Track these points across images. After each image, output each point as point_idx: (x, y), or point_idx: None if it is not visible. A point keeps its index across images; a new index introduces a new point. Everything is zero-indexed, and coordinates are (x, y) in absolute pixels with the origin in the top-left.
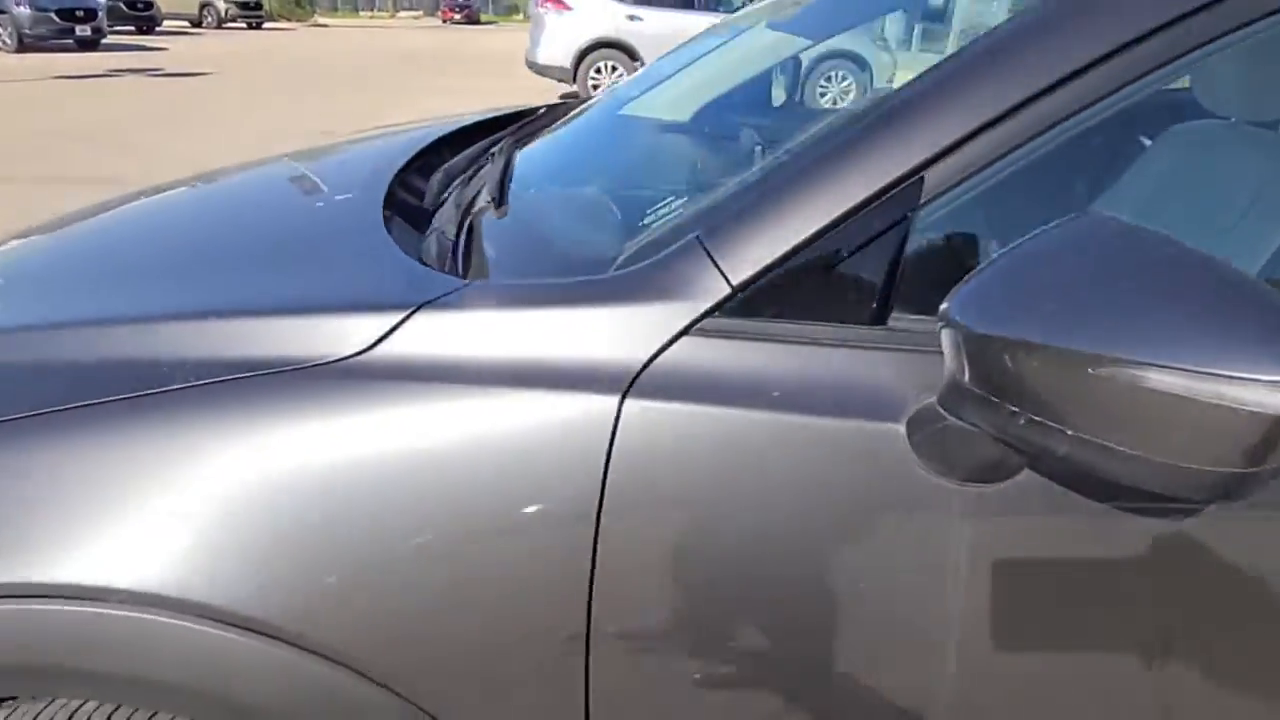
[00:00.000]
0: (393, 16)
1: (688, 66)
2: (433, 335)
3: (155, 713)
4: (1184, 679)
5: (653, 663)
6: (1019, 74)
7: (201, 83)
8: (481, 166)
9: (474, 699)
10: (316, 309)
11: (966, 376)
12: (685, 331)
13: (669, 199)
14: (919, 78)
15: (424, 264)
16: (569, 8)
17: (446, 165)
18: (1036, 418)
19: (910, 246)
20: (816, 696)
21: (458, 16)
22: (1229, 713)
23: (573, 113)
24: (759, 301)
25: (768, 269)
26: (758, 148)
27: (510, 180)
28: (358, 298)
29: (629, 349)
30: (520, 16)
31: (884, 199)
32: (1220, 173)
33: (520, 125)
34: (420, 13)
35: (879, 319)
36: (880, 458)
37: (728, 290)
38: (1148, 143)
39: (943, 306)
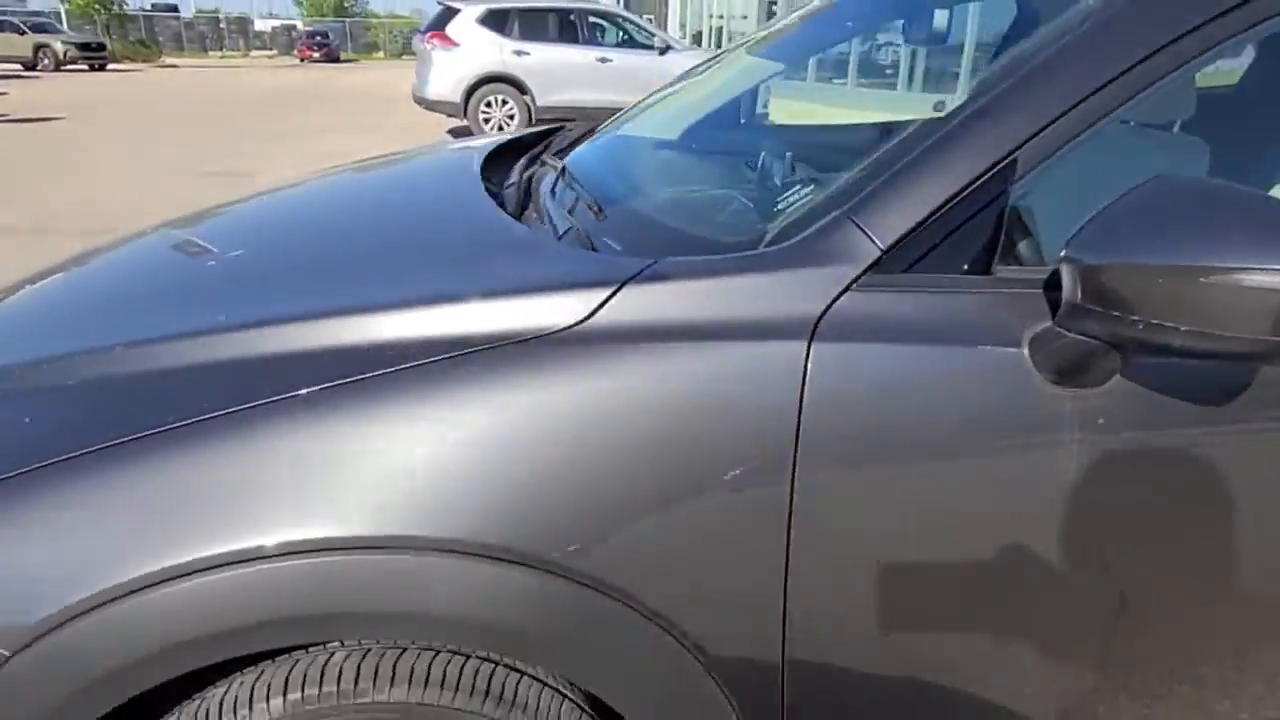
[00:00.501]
0: (245, 56)
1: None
2: (639, 304)
3: (403, 651)
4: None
5: (843, 567)
6: (1098, 61)
7: (58, 129)
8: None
9: (702, 614)
10: (534, 289)
11: (1081, 298)
12: (848, 288)
13: (795, 188)
14: (1013, 70)
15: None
16: (456, 44)
17: (526, 176)
18: (1154, 321)
19: (1007, 212)
20: (1002, 596)
21: (316, 55)
22: None
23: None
24: (900, 260)
25: (905, 235)
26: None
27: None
28: (563, 279)
29: (805, 305)
30: (381, 54)
31: (985, 178)
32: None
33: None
34: (274, 51)
35: (986, 269)
36: (1009, 375)
37: (878, 253)
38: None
39: (1063, 251)
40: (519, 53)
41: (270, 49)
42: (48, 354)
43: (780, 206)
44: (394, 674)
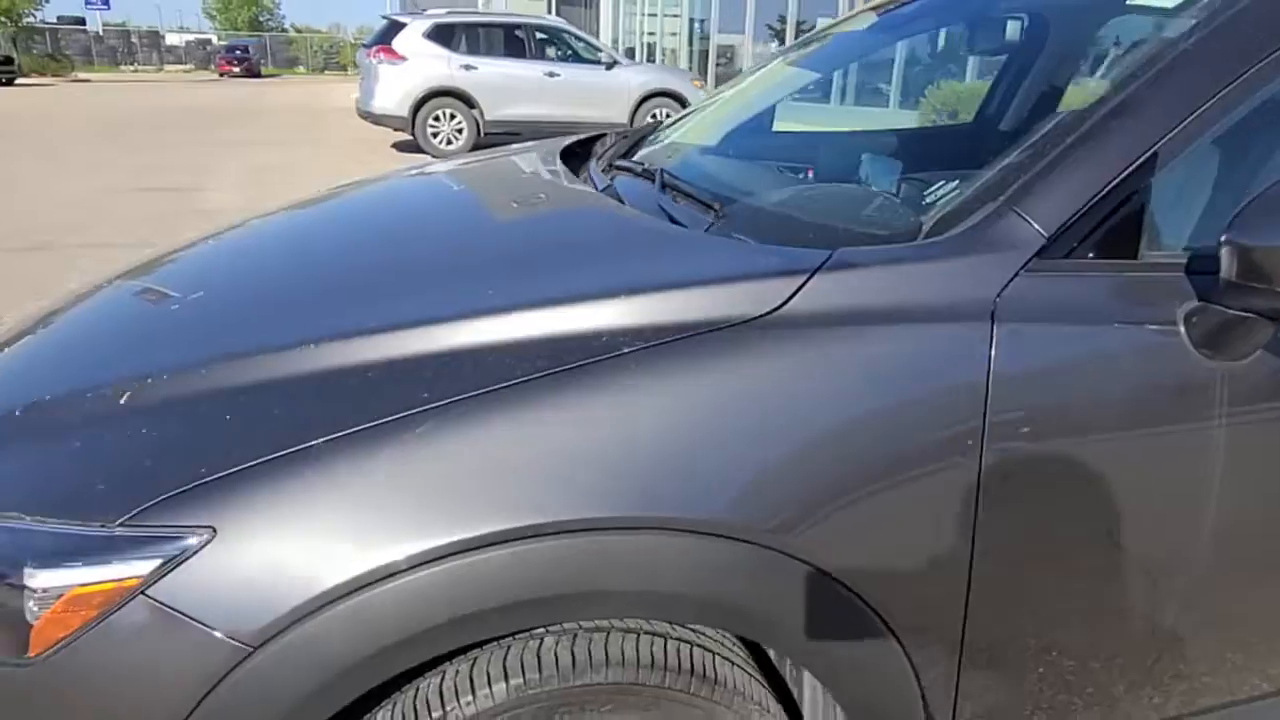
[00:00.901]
0: (159, 70)
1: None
2: (829, 291)
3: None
4: None
5: (1026, 535)
6: (1223, 63)
7: None
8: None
9: (894, 584)
10: (729, 279)
11: (1239, 276)
12: (1018, 272)
13: (941, 183)
14: (1145, 70)
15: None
16: (403, 58)
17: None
18: None
19: (1150, 201)
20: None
21: (237, 69)
22: None
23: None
24: (1061, 246)
25: (1066, 223)
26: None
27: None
28: (753, 269)
29: (983, 289)
30: (302, 69)
31: (1130, 171)
32: None
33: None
34: (191, 66)
35: (1134, 254)
36: (1168, 349)
37: (1043, 240)
38: None
39: (1223, 235)
40: (467, 67)
41: (185, 63)
42: (256, 345)
43: (930, 200)
44: (606, 656)
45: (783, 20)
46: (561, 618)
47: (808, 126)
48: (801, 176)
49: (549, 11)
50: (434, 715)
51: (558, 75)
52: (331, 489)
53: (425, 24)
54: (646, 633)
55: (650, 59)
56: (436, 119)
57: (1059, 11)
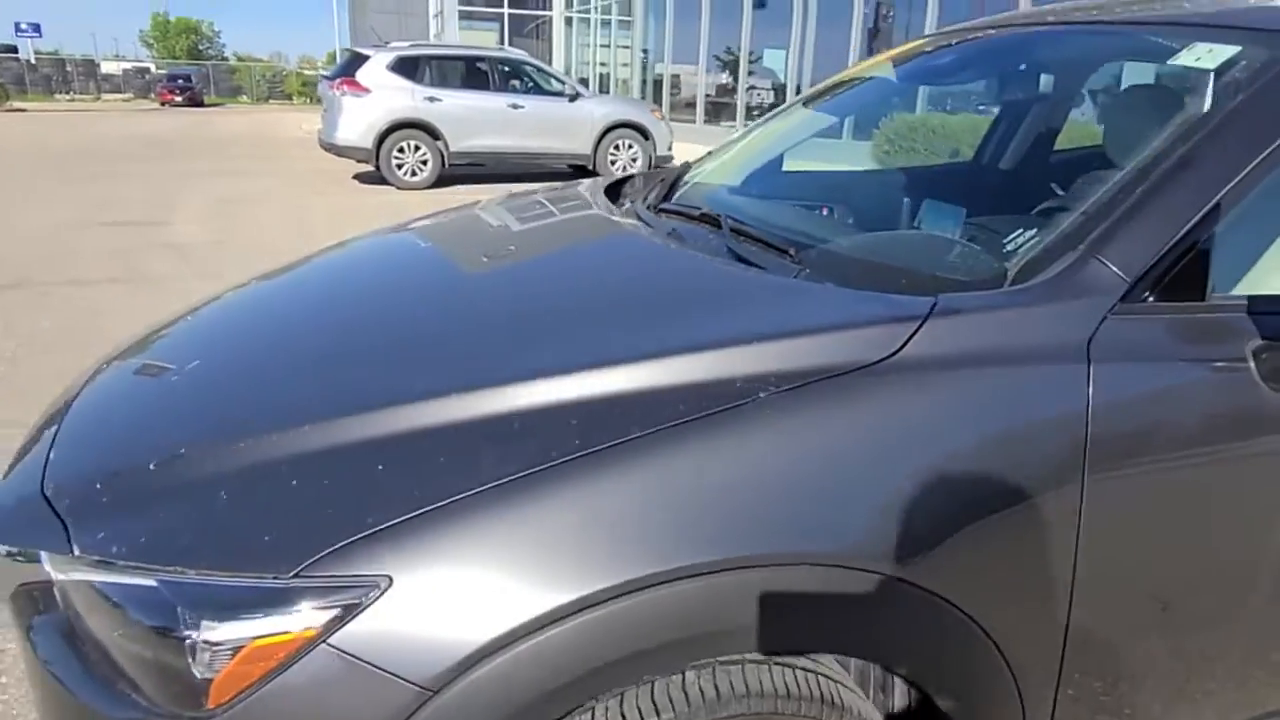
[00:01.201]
0: (97, 99)
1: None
2: (937, 337)
3: (740, 664)
4: None
5: (1123, 561)
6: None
7: None
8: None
9: (1003, 608)
10: (847, 326)
11: None
12: (1107, 316)
13: (1018, 230)
14: (1198, 129)
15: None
16: (367, 90)
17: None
18: None
19: (1213, 249)
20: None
21: (179, 99)
22: None
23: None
24: (1141, 291)
25: (1146, 270)
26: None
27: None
28: (866, 318)
29: (1078, 331)
30: (246, 99)
31: (1197, 220)
32: None
33: None
34: (130, 95)
35: (1202, 295)
36: (1241, 382)
37: (1127, 286)
38: None
39: None
40: (431, 99)
41: (124, 92)
42: (413, 394)
43: (1010, 248)
44: (747, 688)
45: (730, 51)
46: (713, 653)
47: (831, 165)
48: (850, 222)
49: (501, 42)
50: None
51: (521, 107)
52: (501, 533)
53: (389, 56)
54: (777, 664)
55: (603, 89)
56: (401, 150)
57: (1090, 68)
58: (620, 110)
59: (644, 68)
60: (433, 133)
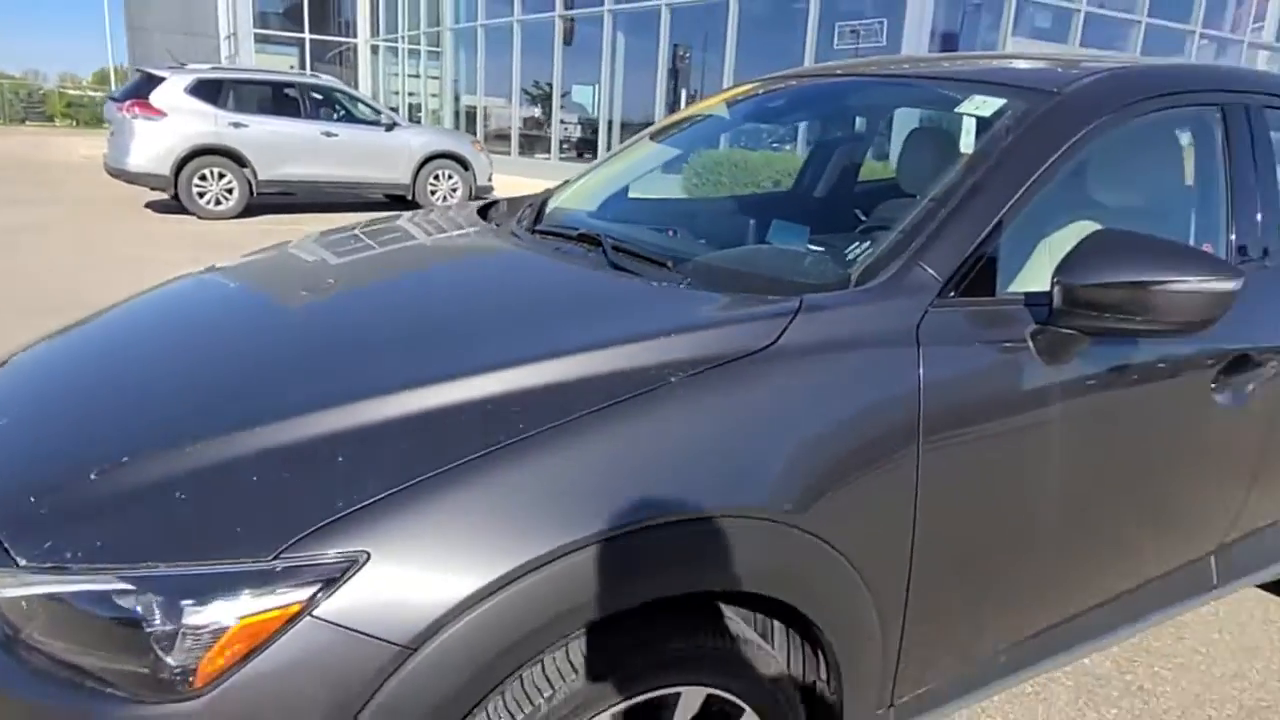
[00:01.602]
0: None
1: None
2: (803, 329)
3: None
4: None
5: (953, 498)
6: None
7: None
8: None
9: (863, 541)
10: (734, 322)
11: (1064, 305)
12: (929, 309)
13: (853, 244)
14: (979, 164)
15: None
16: (162, 113)
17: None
18: (1118, 317)
19: (998, 256)
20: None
21: None
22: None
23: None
24: (949, 289)
25: (953, 273)
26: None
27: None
28: (747, 315)
29: (908, 321)
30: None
31: (987, 234)
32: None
33: None
34: None
35: (992, 292)
36: (1024, 358)
37: (941, 284)
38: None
39: (1055, 277)
40: (236, 124)
41: None
42: (370, 388)
43: (850, 258)
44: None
45: (538, 85)
46: (654, 593)
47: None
48: (703, 242)
49: (301, 68)
50: (543, 695)
51: (335, 135)
52: (462, 507)
53: (186, 79)
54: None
55: (412, 119)
56: (203, 178)
57: (870, 109)
58: (439, 141)
59: (455, 99)
60: (239, 160)
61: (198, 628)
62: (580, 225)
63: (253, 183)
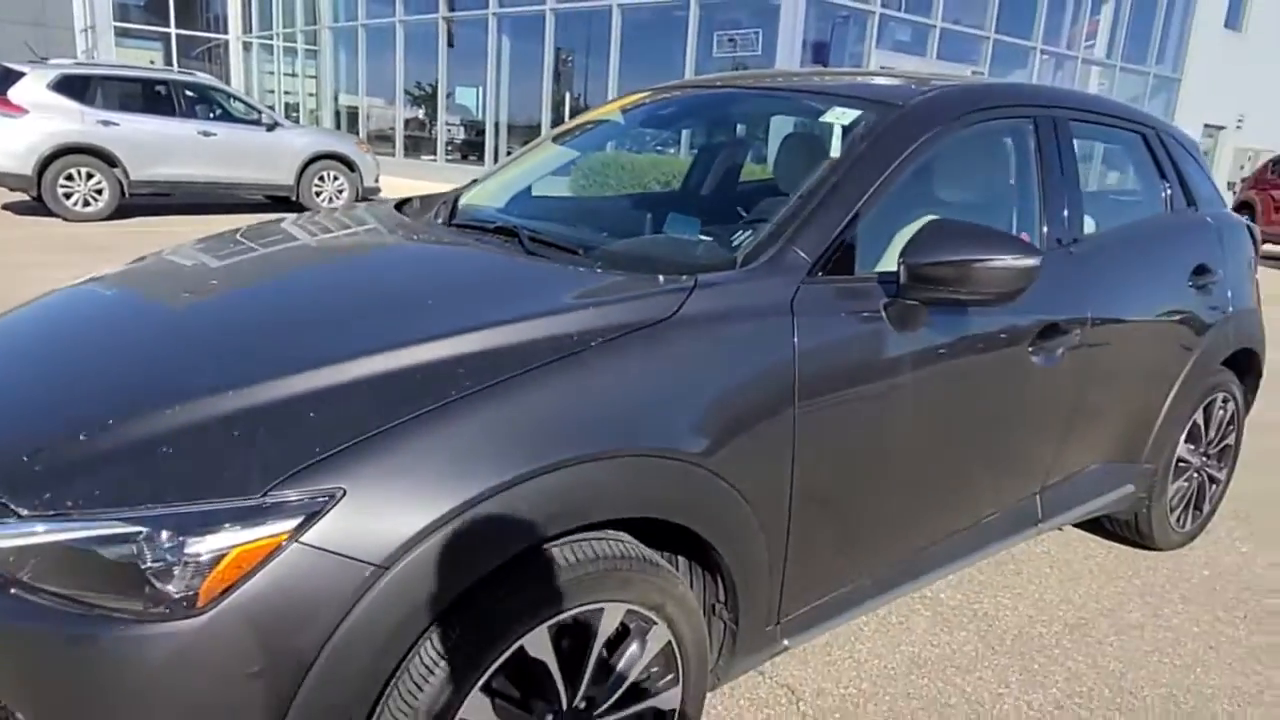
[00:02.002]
0: None
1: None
2: (698, 302)
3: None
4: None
5: (823, 439)
6: (881, 156)
7: None
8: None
9: (751, 477)
10: (642, 296)
11: (909, 281)
12: (800, 286)
13: (736, 233)
14: (841, 165)
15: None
16: (23, 110)
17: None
18: (950, 289)
19: (856, 242)
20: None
21: None
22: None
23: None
24: (816, 269)
25: (818, 256)
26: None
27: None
28: (652, 289)
29: (784, 295)
30: None
31: (845, 225)
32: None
33: None
34: None
35: (852, 271)
36: (878, 326)
37: (809, 266)
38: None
39: (902, 257)
40: (105, 123)
41: None
42: (336, 353)
43: (735, 244)
44: (596, 554)
45: (422, 87)
46: (579, 520)
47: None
48: (605, 234)
49: (167, 64)
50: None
51: (214, 135)
52: (423, 450)
53: (49, 74)
54: (610, 538)
55: (290, 119)
56: (70, 178)
57: (747, 117)
58: (324, 141)
59: (334, 99)
60: (109, 159)
61: (198, 556)
62: (494, 219)
63: (124, 183)
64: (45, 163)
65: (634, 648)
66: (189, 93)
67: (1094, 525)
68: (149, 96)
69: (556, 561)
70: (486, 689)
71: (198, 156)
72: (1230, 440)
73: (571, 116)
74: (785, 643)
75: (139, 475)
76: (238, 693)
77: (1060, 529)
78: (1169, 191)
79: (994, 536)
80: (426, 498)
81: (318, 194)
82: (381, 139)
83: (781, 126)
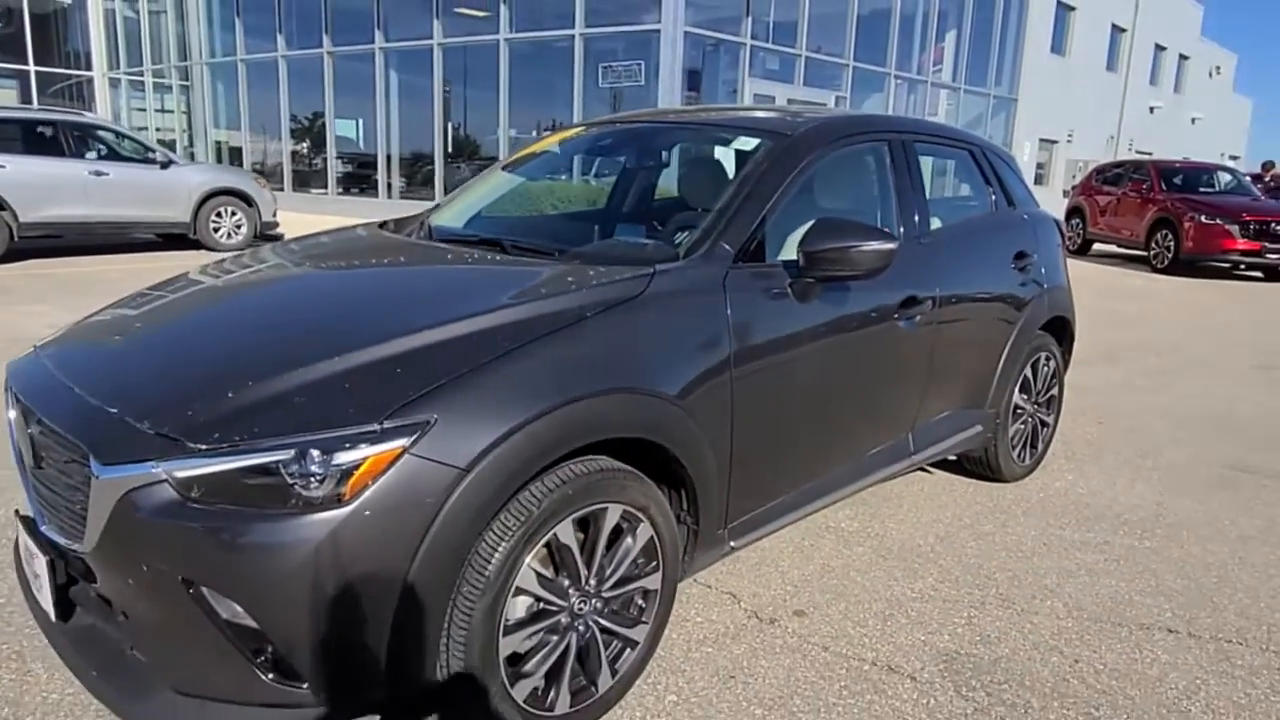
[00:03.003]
0: None
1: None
2: (660, 284)
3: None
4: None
5: (756, 393)
6: (774, 178)
7: None
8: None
9: (701, 410)
10: (617, 281)
11: (805, 264)
12: (729, 271)
13: (677, 234)
14: (749, 180)
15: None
16: None
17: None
18: (835, 268)
19: (765, 238)
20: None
21: None
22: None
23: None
24: (739, 259)
25: (739, 248)
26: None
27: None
28: (625, 276)
29: (717, 278)
30: None
31: (757, 225)
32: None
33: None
34: None
35: (764, 259)
36: (787, 300)
37: (734, 254)
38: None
39: (798, 246)
40: None
41: None
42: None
43: (678, 241)
44: (594, 469)
45: (308, 121)
46: (591, 437)
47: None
48: (569, 240)
49: (27, 101)
50: (536, 505)
51: (105, 174)
52: (488, 389)
53: None
54: (600, 458)
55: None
56: None
57: (670, 145)
58: (220, 178)
59: (205, 134)
60: None
61: (342, 466)
62: (473, 234)
63: (13, 226)
64: None
65: (628, 540)
66: (74, 132)
67: (956, 466)
68: (35, 138)
69: (577, 471)
70: (532, 567)
71: (91, 197)
72: (1055, 391)
73: (459, 148)
74: (732, 544)
75: (285, 416)
76: (377, 554)
77: (930, 471)
78: (994, 196)
79: (879, 464)
80: (490, 423)
81: (215, 230)
82: (270, 175)
83: (695, 152)
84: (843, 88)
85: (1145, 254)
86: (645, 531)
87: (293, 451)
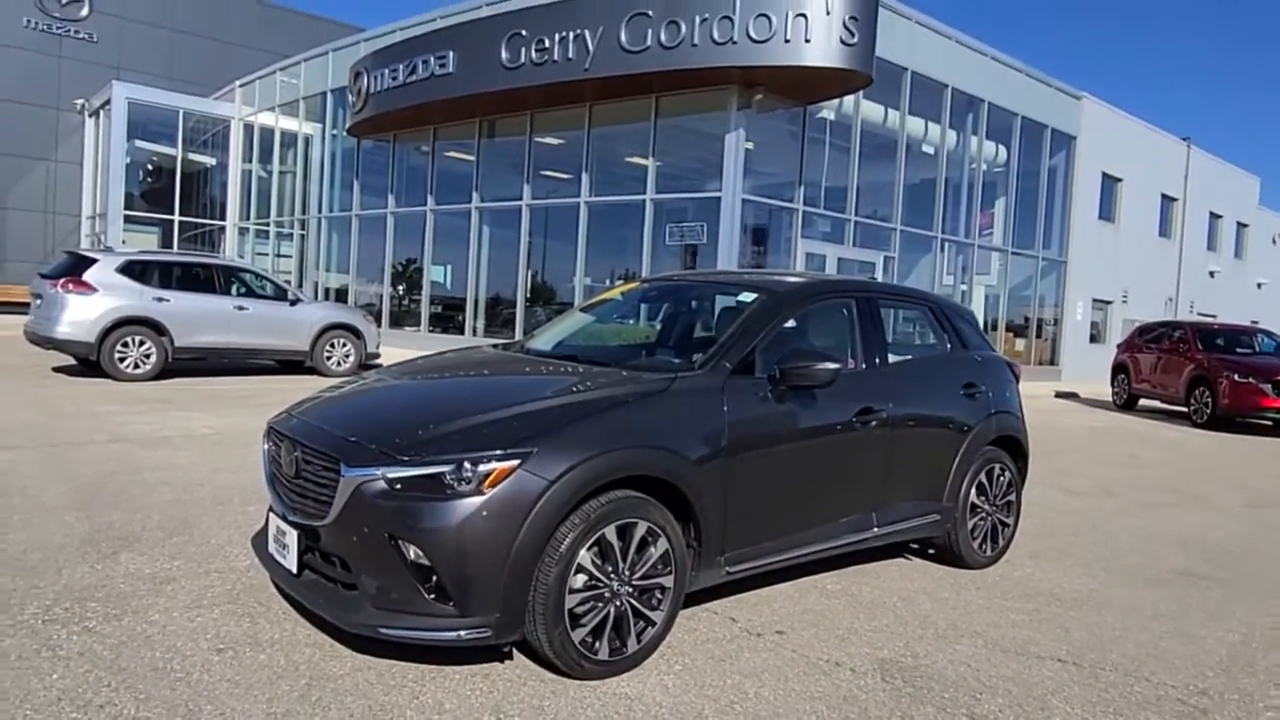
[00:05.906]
0: None
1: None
2: (680, 384)
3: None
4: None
5: (746, 474)
6: (761, 320)
7: None
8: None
9: (707, 490)
10: (654, 378)
11: (780, 375)
12: (728, 379)
13: (696, 355)
14: (740, 315)
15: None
16: (94, 289)
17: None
18: (801, 378)
19: (756, 360)
20: (797, 501)
21: None
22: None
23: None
24: (738, 370)
25: (735, 366)
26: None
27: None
28: (660, 375)
29: (720, 384)
30: None
31: (751, 351)
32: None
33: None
34: None
35: (753, 374)
36: (770, 404)
37: (731, 369)
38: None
39: (776, 365)
40: (159, 299)
41: None
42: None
43: (696, 359)
44: (631, 499)
45: (408, 266)
46: (632, 472)
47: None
48: (623, 359)
49: (168, 246)
50: (592, 512)
51: (246, 309)
52: (569, 436)
53: (118, 260)
54: (631, 491)
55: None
56: (125, 345)
57: (698, 297)
58: (337, 314)
59: (316, 274)
60: (158, 329)
61: (485, 473)
62: (558, 352)
63: (169, 349)
64: (106, 332)
65: (651, 548)
66: (226, 274)
67: (929, 555)
68: (192, 277)
69: (619, 495)
70: (588, 554)
71: (232, 327)
72: (1012, 498)
73: (537, 293)
74: (727, 570)
75: (454, 445)
76: (499, 527)
77: (908, 557)
78: (949, 341)
79: (845, 531)
80: (567, 455)
81: (328, 358)
82: (373, 312)
83: (711, 302)
84: (891, 249)
85: (1186, 409)
86: (663, 544)
87: (454, 465)
